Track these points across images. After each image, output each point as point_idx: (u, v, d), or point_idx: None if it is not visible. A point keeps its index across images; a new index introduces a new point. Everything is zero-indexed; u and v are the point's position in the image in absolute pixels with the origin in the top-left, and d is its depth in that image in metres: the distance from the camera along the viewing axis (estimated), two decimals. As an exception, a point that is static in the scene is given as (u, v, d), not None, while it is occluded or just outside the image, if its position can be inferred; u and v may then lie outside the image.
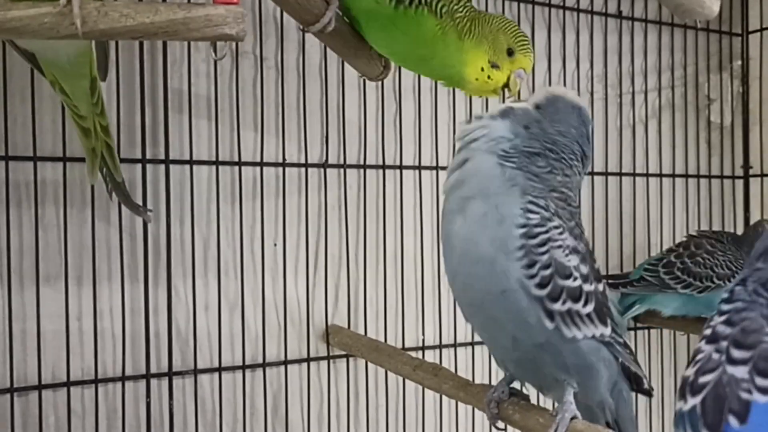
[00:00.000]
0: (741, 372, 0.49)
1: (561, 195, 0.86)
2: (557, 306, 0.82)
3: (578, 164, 0.90)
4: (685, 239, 1.53)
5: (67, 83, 0.98)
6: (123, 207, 1.17)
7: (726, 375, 0.49)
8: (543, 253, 0.81)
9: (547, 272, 0.81)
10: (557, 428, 0.82)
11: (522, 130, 0.87)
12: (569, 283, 0.82)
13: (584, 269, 0.84)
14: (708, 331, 0.54)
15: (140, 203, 1.16)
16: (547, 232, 0.82)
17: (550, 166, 0.87)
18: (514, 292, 0.82)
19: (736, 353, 0.50)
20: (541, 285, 0.81)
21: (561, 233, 0.82)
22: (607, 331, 0.85)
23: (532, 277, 0.81)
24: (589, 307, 0.84)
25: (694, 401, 0.50)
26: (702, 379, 0.51)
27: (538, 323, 0.82)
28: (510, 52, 0.95)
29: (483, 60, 0.93)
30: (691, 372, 0.52)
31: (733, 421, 0.47)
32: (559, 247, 0.82)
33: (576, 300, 0.83)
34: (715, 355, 0.51)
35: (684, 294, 1.41)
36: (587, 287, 0.84)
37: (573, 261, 0.83)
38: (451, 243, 0.87)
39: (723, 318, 0.53)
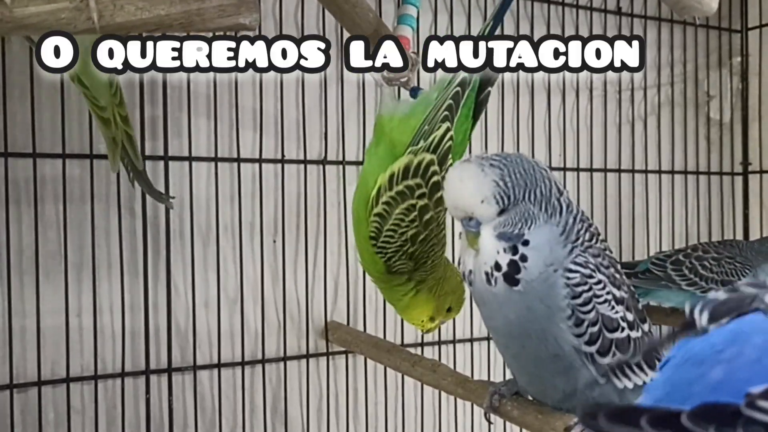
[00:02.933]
0: None
1: (589, 244, 0.83)
2: (607, 359, 0.81)
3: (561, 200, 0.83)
4: (695, 245, 1.55)
5: (86, 76, 0.98)
6: (122, 204, 1.18)
7: (759, 297, 0.48)
8: (589, 311, 0.80)
9: (596, 328, 0.80)
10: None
11: (518, 212, 0.81)
12: (617, 335, 0.81)
13: (630, 317, 0.82)
14: None
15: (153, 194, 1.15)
16: (590, 289, 0.80)
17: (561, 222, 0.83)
18: (566, 354, 0.81)
19: None
20: (591, 342, 0.80)
21: (603, 287, 0.81)
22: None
23: (581, 335, 0.80)
24: (638, 356, 0.82)
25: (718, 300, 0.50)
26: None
27: (590, 379, 0.82)
28: (449, 309, 1.07)
29: (426, 314, 1.06)
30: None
31: (762, 322, 0.47)
32: (605, 301, 0.81)
33: (626, 351, 0.82)
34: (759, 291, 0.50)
35: (688, 291, 1.43)
36: (634, 334, 0.83)
37: (619, 312, 0.82)
38: (496, 328, 0.86)
39: None
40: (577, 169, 1.62)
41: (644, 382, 0.83)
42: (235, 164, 1.27)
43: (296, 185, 1.33)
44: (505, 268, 0.79)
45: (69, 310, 1.14)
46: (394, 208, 0.96)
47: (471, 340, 1.49)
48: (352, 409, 1.39)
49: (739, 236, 1.81)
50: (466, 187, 0.79)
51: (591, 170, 1.64)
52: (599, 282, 0.80)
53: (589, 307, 0.80)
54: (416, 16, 1.09)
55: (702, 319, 0.48)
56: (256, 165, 1.29)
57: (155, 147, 1.21)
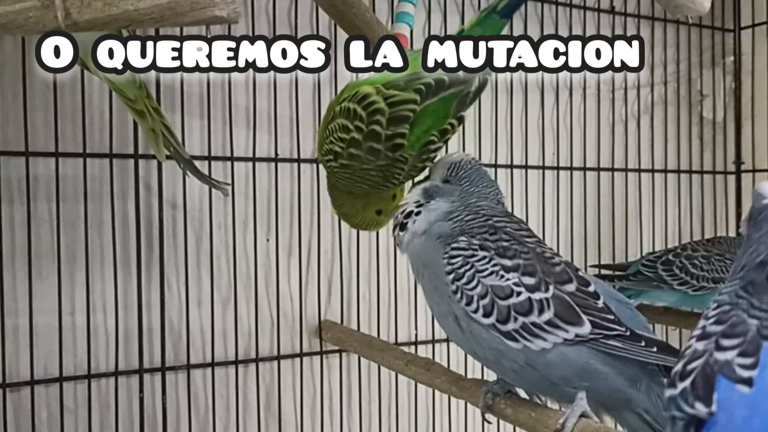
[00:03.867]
0: (730, 356, 0.54)
1: (486, 224, 0.90)
2: (511, 325, 0.84)
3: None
4: (684, 244, 1.56)
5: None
6: (115, 202, 1.18)
7: (713, 358, 0.54)
8: (474, 287, 0.86)
9: (486, 300, 0.85)
10: (566, 421, 0.82)
11: (449, 188, 0.96)
12: (513, 300, 0.85)
13: (530, 280, 0.85)
14: (698, 332, 0.58)
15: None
16: (471, 267, 0.87)
17: (470, 205, 0.94)
18: (476, 330, 0.87)
19: (725, 342, 0.55)
20: (486, 314, 0.85)
21: (488, 261, 0.87)
22: (584, 329, 0.84)
23: (476, 311, 0.86)
24: (548, 314, 0.84)
25: (683, 384, 0.55)
26: (690, 367, 0.56)
27: (507, 348, 0.85)
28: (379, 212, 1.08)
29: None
30: (679, 365, 0.57)
31: (730, 386, 0.52)
32: (490, 273, 0.86)
33: (527, 313, 0.84)
34: (702, 348, 0.56)
35: (679, 291, 1.44)
36: (539, 295, 0.85)
37: (512, 278, 0.85)
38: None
39: (712, 320, 0.58)
40: (571, 168, 1.62)
41: (564, 339, 0.84)
42: (229, 163, 1.27)
43: (290, 184, 1.33)
44: (404, 215, 0.96)
45: (62, 309, 1.14)
46: (339, 117, 0.95)
47: (465, 339, 1.49)
48: (346, 408, 1.39)
49: (732, 235, 1.82)
50: (454, 154, 0.99)
51: (584, 169, 1.64)
52: (483, 258, 0.87)
53: (474, 283, 0.86)
54: (413, 14, 1.09)
55: (699, 409, 0.53)
56: (250, 164, 1.29)
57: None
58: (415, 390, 1.43)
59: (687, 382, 0.55)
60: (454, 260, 0.88)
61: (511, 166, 1.54)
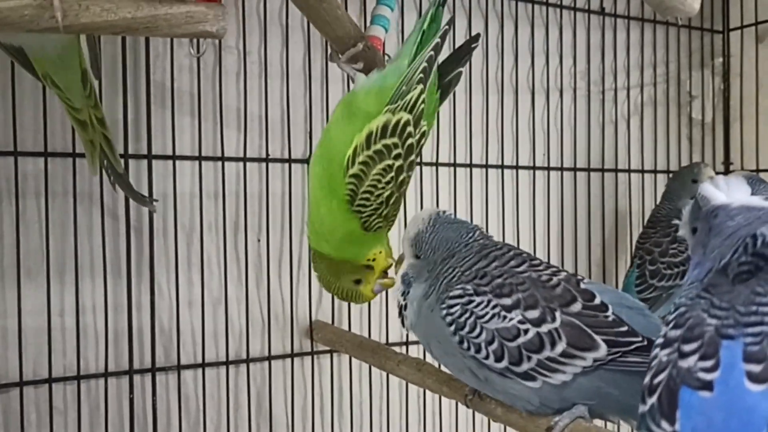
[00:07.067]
0: (692, 361, 0.54)
1: (471, 271, 0.87)
2: (525, 366, 0.81)
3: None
4: (640, 247, 1.55)
5: (58, 76, 0.97)
6: (105, 202, 1.17)
7: (676, 369, 0.54)
8: (479, 335, 0.83)
9: (495, 345, 0.82)
10: (559, 420, 0.81)
11: (421, 264, 0.94)
12: (522, 339, 0.81)
13: (534, 313, 0.82)
14: (660, 339, 0.58)
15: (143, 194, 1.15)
16: (471, 315, 0.84)
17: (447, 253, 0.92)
18: (492, 377, 0.84)
19: (686, 347, 0.55)
20: (498, 359, 0.82)
21: (486, 305, 0.83)
22: (601, 352, 0.80)
23: (486, 357, 0.83)
24: (561, 345, 0.80)
25: (651, 400, 0.55)
26: (656, 380, 0.56)
27: (525, 388, 0.83)
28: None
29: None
30: (647, 378, 0.57)
31: (693, 395, 0.53)
32: (492, 317, 0.83)
33: (539, 349, 0.81)
34: (666, 358, 0.56)
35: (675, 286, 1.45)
36: (547, 327, 0.81)
37: (515, 317, 0.82)
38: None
39: (671, 324, 0.58)
40: (561, 169, 1.63)
41: (584, 368, 0.80)
42: (219, 163, 1.27)
43: (281, 184, 1.33)
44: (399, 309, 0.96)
45: (51, 310, 1.13)
46: (372, 168, 0.94)
47: (456, 339, 1.49)
48: (337, 409, 1.39)
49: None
50: (411, 224, 0.97)
51: (575, 170, 1.65)
52: (480, 303, 0.84)
53: (477, 331, 0.83)
54: (389, 17, 1.09)
55: (665, 428, 0.53)
56: (240, 164, 1.29)
57: (138, 146, 1.20)
58: (407, 390, 1.43)
59: (654, 398, 0.55)
60: (452, 310, 0.85)
61: (502, 167, 1.55)
